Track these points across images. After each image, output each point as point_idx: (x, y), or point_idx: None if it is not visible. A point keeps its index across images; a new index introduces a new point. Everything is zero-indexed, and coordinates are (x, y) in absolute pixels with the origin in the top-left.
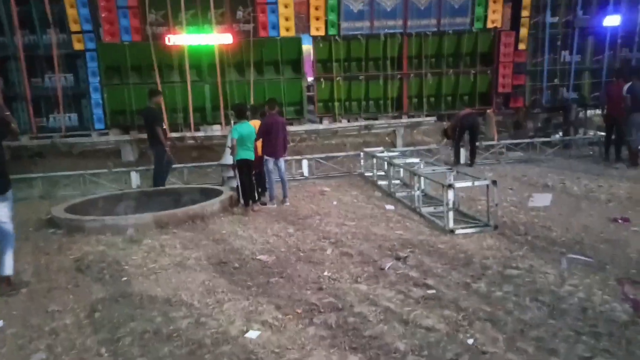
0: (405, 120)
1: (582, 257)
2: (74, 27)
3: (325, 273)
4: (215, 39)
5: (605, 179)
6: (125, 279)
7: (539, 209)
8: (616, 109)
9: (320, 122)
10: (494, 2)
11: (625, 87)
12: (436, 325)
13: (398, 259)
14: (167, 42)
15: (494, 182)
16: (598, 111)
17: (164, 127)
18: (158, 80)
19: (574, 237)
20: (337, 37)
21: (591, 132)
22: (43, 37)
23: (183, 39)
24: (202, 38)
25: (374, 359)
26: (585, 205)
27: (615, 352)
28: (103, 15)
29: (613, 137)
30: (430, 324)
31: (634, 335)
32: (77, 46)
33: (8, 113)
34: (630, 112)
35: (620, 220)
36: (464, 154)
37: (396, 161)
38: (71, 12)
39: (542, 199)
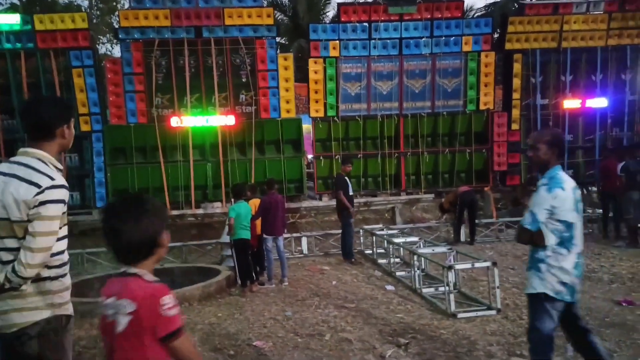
0: (403, 197)
1: None
2: (82, 109)
3: None
4: (218, 120)
5: (606, 258)
6: None
7: None
8: (611, 187)
9: (320, 199)
10: (485, 85)
11: (619, 165)
12: None
13: (399, 346)
14: (171, 124)
15: (494, 264)
16: (594, 188)
17: (351, 194)
18: (162, 159)
19: None
20: (335, 118)
21: (589, 210)
22: None
23: (187, 120)
24: (205, 120)
25: None
26: (588, 286)
27: None
28: (111, 99)
29: (610, 214)
30: None
31: None
32: (84, 127)
33: None
34: (626, 190)
35: (624, 303)
36: (464, 231)
37: (395, 239)
38: (80, 97)
39: None
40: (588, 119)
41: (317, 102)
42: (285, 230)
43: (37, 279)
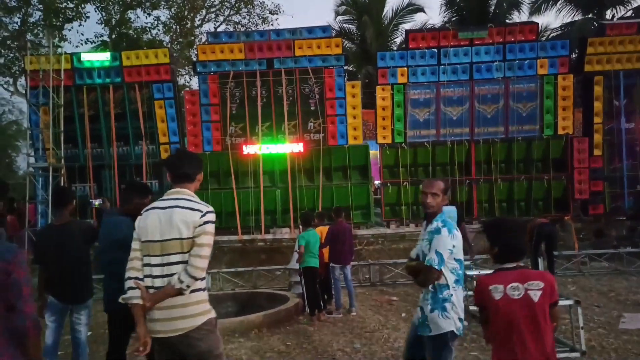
0: (476, 225)
1: None
2: (162, 139)
3: None
4: (288, 148)
5: None
6: None
7: (632, 332)
8: None
9: (388, 227)
10: (563, 109)
11: None
12: None
13: None
14: (244, 152)
15: (577, 302)
16: None
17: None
18: (234, 185)
19: None
20: (403, 145)
21: None
22: (135, 148)
23: (258, 148)
24: (275, 147)
25: None
26: None
27: None
28: (189, 128)
29: None
30: None
31: None
32: (164, 155)
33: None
34: None
35: None
36: (541, 264)
37: (468, 272)
38: (161, 126)
39: (634, 320)
40: None
41: (384, 128)
42: (353, 258)
43: (194, 290)
